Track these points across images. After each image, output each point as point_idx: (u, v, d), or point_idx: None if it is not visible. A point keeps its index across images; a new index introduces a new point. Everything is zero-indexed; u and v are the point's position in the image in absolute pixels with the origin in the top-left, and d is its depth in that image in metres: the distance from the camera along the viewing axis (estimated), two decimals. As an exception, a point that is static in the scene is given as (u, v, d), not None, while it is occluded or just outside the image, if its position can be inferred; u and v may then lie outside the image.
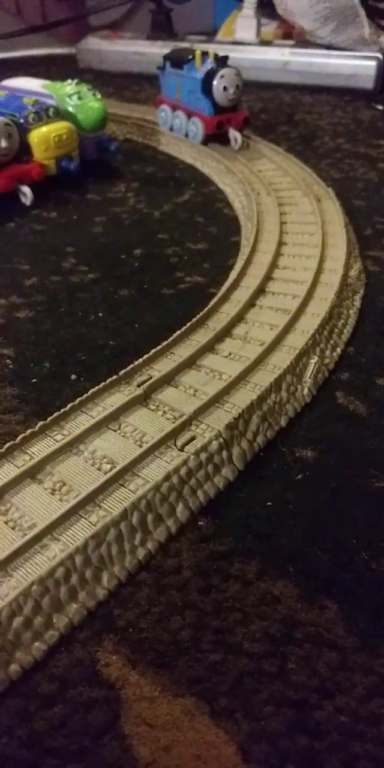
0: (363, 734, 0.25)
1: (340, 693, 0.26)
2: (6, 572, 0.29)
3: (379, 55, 1.23)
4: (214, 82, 0.86)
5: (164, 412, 0.38)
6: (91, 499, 0.32)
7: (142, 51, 1.48)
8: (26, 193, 0.76)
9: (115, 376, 0.41)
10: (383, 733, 0.25)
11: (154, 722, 0.25)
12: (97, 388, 0.39)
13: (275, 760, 0.24)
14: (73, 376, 0.45)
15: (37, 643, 0.27)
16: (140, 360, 0.42)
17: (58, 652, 0.27)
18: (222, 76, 0.86)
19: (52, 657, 0.27)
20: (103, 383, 0.40)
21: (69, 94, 0.84)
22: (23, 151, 0.75)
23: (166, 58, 0.98)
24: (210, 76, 0.87)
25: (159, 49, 1.32)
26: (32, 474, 0.34)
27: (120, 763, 0.24)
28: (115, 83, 1.40)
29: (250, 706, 0.26)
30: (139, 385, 0.40)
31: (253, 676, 0.27)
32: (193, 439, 0.36)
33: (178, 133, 0.97)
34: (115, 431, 0.37)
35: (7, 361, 0.47)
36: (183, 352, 0.44)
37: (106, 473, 0.33)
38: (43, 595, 0.28)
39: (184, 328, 0.46)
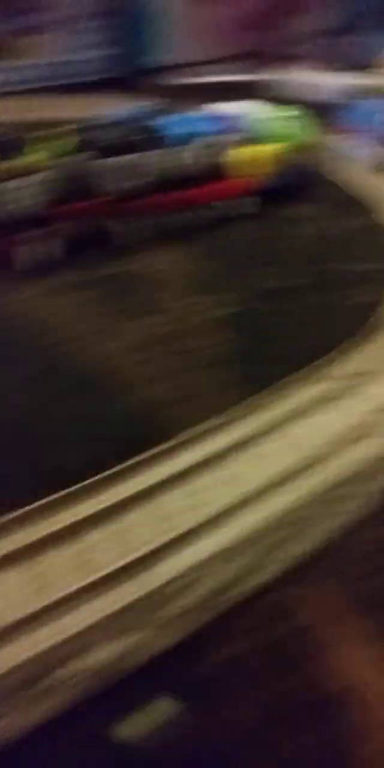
0: None
1: None
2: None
3: None
4: None
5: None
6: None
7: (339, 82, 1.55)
8: (255, 202, 0.82)
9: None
10: None
11: (357, 660, 0.29)
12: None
13: None
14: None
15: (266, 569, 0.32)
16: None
17: (283, 585, 0.32)
18: None
19: (279, 588, 0.32)
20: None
21: (274, 118, 0.92)
22: (221, 171, 0.83)
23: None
24: None
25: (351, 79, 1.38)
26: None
27: (316, 685, 0.28)
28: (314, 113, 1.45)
29: None
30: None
31: None
32: None
33: (364, 162, 1.01)
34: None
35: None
36: None
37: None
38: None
39: None
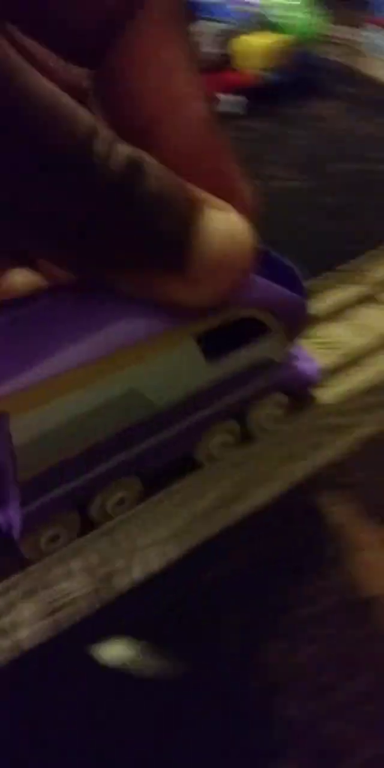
0: None
1: None
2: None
3: None
4: None
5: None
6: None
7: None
8: (240, 102, 0.74)
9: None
10: None
11: (377, 566, 0.26)
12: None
13: None
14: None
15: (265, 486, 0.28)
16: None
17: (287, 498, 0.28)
18: None
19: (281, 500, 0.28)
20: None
21: (279, 4, 0.82)
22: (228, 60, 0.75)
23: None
24: None
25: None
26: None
27: (340, 589, 0.25)
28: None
29: None
30: None
31: None
32: None
33: None
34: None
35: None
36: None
37: None
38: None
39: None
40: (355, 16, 1.17)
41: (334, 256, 0.43)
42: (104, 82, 0.20)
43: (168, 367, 0.23)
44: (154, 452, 0.25)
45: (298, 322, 0.27)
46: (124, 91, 0.19)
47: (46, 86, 0.16)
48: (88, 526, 0.25)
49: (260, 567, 0.25)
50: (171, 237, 0.19)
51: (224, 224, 0.20)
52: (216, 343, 0.24)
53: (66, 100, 0.17)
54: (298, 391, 0.29)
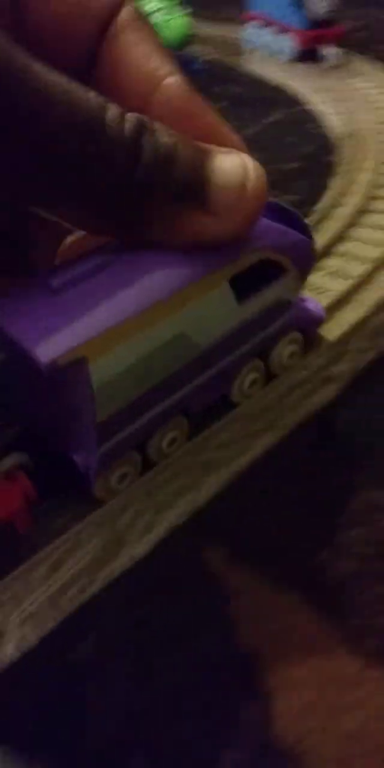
0: None
1: None
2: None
3: None
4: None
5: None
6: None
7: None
8: None
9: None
10: None
11: (260, 612, 0.26)
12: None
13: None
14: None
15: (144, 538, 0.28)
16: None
17: (165, 547, 0.28)
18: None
19: (160, 552, 0.28)
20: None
21: (153, 9, 0.82)
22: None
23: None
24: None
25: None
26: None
27: (227, 648, 0.25)
28: (196, 1, 1.35)
29: (358, 605, 0.26)
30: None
31: (358, 576, 0.27)
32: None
33: (265, 52, 0.93)
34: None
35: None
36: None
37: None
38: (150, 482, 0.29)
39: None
40: (231, 13, 1.17)
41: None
42: (100, 73, 0.24)
43: (208, 311, 0.26)
44: (199, 392, 0.28)
45: (308, 263, 0.31)
46: (117, 79, 0.24)
47: (61, 76, 0.20)
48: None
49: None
50: (189, 179, 0.22)
51: (236, 160, 0.23)
52: (240, 289, 0.27)
53: (76, 85, 0.20)
54: (310, 329, 0.34)
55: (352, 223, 0.48)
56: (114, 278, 0.24)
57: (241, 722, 0.23)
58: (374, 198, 0.51)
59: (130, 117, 0.21)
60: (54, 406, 0.26)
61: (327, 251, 0.45)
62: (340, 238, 0.46)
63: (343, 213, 0.49)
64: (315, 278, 0.42)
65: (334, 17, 0.84)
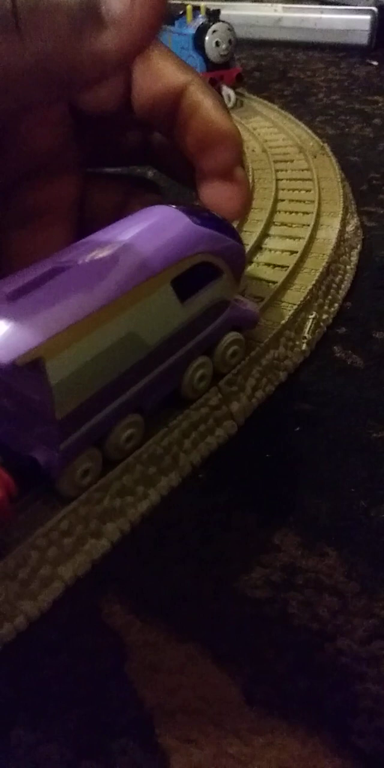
0: (364, 674, 0.25)
1: (340, 635, 0.26)
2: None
3: (374, 9, 1.20)
4: (206, 38, 0.84)
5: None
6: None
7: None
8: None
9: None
10: (383, 674, 0.25)
11: (159, 667, 0.26)
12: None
13: (278, 700, 0.25)
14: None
15: (42, 594, 0.28)
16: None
17: (62, 603, 0.28)
18: (214, 31, 0.84)
19: (57, 608, 0.28)
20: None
21: None
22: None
23: (156, 14, 0.96)
24: (202, 31, 0.85)
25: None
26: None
27: (126, 707, 0.24)
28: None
29: (253, 650, 0.26)
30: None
31: (254, 621, 0.27)
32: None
33: None
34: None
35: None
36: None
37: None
38: (48, 547, 0.28)
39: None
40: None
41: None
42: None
43: (154, 311, 0.28)
44: (151, 388, 0.30)
45: (240, 266, 0.34)
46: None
47: None
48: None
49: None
50: None
51: None
52: (182, 290, 0.30)
53: None
54: (246, 329, 0.36)
55: (249, 261, 0.49)
56: (64, 283, 0.25)
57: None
58: (269, 236, 0.53)
59: None
60: (13, 408, 0.27)
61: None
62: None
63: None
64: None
65: (230, 60, 0.87)
